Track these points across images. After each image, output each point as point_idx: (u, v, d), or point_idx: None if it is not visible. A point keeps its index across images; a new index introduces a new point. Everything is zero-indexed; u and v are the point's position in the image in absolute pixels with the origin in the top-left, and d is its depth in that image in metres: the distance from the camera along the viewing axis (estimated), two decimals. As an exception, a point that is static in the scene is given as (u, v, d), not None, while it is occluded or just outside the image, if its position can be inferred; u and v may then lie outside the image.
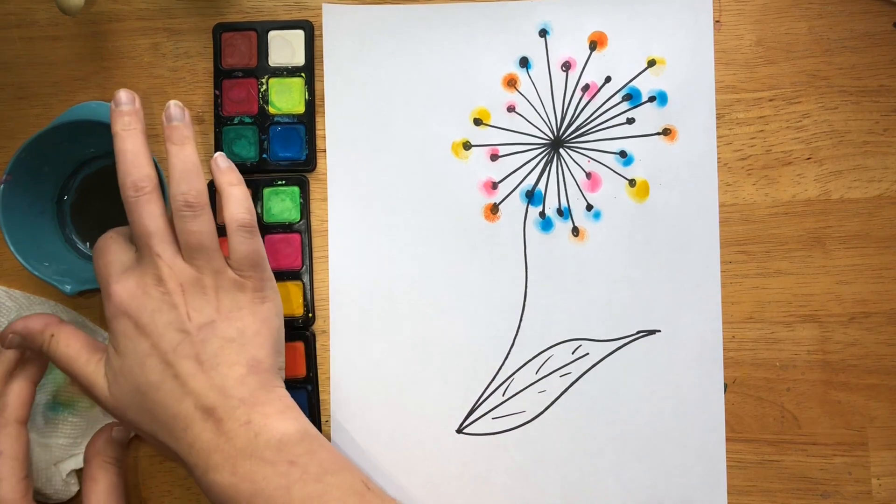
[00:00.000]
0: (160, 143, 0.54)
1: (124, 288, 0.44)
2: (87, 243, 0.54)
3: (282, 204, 0.53)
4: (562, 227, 0.53)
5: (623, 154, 0.53)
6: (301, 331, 0.53)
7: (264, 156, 0.53)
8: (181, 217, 0.45)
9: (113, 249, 0.46)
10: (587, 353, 0.53)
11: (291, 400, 0.46)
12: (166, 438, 0.43)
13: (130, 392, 0.43)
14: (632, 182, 0.53)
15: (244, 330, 0.45)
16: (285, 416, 0.44)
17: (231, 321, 0.45)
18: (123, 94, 0.46)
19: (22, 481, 0.45)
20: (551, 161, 0.53)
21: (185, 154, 0.46)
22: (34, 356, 0.48)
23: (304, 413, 0.52)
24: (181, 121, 0.47)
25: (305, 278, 0.53)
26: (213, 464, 0.41)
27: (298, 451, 0.42)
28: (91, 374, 0.45)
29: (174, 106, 0.47)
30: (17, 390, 0.47)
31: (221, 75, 0.53)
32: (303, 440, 0.43)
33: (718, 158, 0.53)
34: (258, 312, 0.46)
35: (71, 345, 0.46)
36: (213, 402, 0.42)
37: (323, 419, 0.53)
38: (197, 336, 0.43)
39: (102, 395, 0.44)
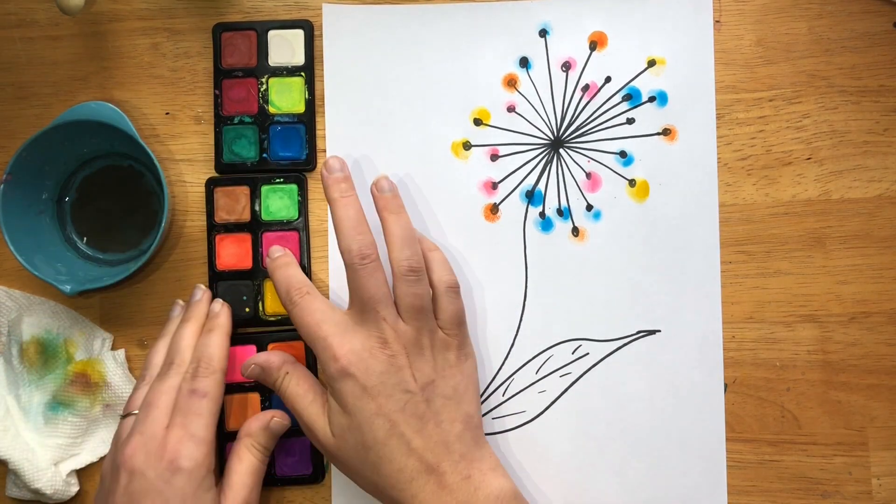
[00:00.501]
0: (160, 144, 0.54)
1: (351, 350, 0.46)
2: (87, 243, 0.54)
3: (280, 202, 0.53)
4: (562, 227, 0.53)
5: (623, 154, 0.53)
6: (301, 331, 0.53)
7: (264, 155, 0.53)
8: (405, 281, 0.47)
9: (321, 308, 0.48)
10: (587, 353, 0.53)
11: (497, 457, 0.48)
12: (388, 490, 0.45)
13: (355, 447, 0.46)
14: (632, 182, 0.53)
15: (457, 387, 0.47)
16: (497, 473, 0.47)
17: (446, 379, 0.47)
18: (335, 162, 0.50)
19: (215, 424, 0.47)
20: (551, 161, 0.53)
21: (403, 221, 0.49)
22: (220, 312, 0.51)
23: (305, 413, 0.52)
24: (392, 191, 0.50)
25: (305, 278, 0.53)
26: None
27: None
28: (314, 416, 0.47)
29: (384, 180, 0.50)
30: (218, 341, 0.49)
31: (221, 75, 0.53)
32: (515, 498, 0.46)
33: (718, 158, 0.53)
34: (465, 370, 0.48)
35: (301, 384, 0.49)
36: (436, 458, 0.45)
37: (323, 419, 0.53)
38: (420, 396, 0.46)
39: (323, 439, 0.47)
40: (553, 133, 0.53)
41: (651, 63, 0.53)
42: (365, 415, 0.45)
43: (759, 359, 0.53)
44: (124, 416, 0.48)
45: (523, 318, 0.53)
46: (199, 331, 0.50)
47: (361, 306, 0.47)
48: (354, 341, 0.46)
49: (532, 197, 0.53)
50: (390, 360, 0.46)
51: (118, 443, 0.47)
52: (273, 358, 0.49)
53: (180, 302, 0.52)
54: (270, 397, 0.53)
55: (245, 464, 0.49)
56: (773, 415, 0.52)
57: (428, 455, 0.45)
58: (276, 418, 0.50)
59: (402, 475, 0.45)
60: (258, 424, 0.50)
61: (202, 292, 0.52)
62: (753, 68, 0.53)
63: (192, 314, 0.51)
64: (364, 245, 0.47)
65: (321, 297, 0.49)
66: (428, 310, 0.48)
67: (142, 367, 0.51)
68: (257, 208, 0.53)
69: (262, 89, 0.53)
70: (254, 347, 0.53)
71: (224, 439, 0.52)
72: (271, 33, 0.53)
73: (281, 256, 0.51)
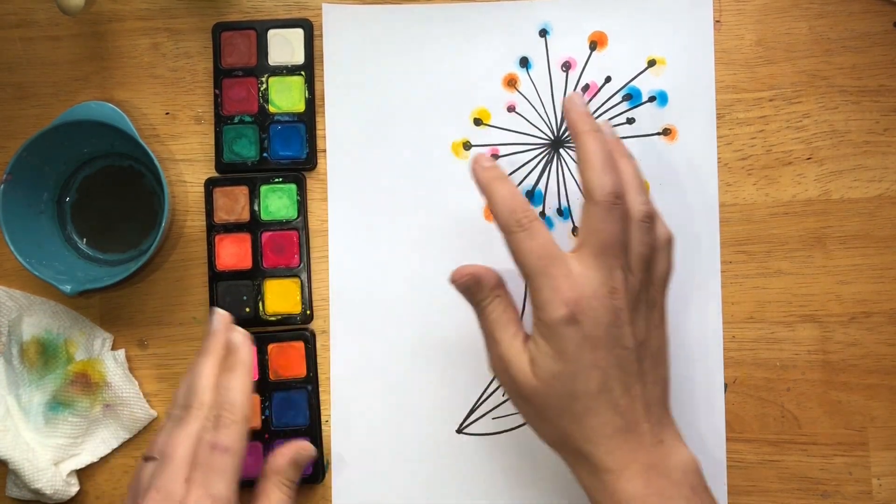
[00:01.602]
0: (160, 143, 0.54)
1: (581, 296, 0.42)
2: (87, 243, 0.54)
3: (279, 201, 0.53)
4: (562, 226, 0.53)
5: (623, 154, 0.53)
6: (299, 329, 0.53)
7: (265, 155, 0.53)
8: (641, 227, 0.44)
9: (551, 241, 0.43)
10: (587, 353, 0.53)
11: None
12: (581, 441, 0.43)
13: (560, 394, 0.43)
14: (632, 182, 0.53)
15: (661, 348, 0.45)
16: (683, 444, 0.45)
17: (654, 339, 0.45)
18: (579, 97, 0.47)
19: (238, 480, 0.44)
20: (551, 161, 0.53)
21: (637, 166, 0.46)
22: (241, 345, 0.47)
23: (304, 413, 0.52)
24: (608, 128, 0.47)
25: (303, 276, 0.53)
26: (629, 474, 0.42)
27: (697, 481, 0.44)
28: (515, 352, 0.44)
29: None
30: (241, 384, 0.46)
31: (221, 74, 0.53)
32: (699, 472, 0.44)
33: (719, 158, 0.53)
34: (665, 331, 0.46)
35: (507, 312, 0.45)
36: (637, 418, 0.43)
37: (323, 419, 0.53)
38: (634, 354, 0.43)
39: (521, 378, 0.44)
40: (553, 133, 0.53)
41: (651, 63, 0.53)
42: (582, 365, 0.42)
43: (760, 359, 0.53)
44: (146, 459, 0.44)
45: (523, 318, 0.53)
46: (219, 366, 0.46)
47: (599, 249, 0.43)
48: (585, 287, 0.42)
49: (532, 197, 0.53)
50: (617, 312, 0.43)
51: (136, 494, 0.43)
52: (490, 274, 0.46)
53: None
54: (271, 397, 0.53)
55: (275, 502, 0.47)
56: (773, 415, 0.52)
57: (631, 414, 0.43)
58: (302, 451, 0.48)
59: (603, 429, 0.43)
60: (285, 460, 0.47)
61: (219, 319, 0.48)
62: (753, 68, 0.53)
63: (211, 347, 0.46)
64: (618, 184, 0.43)
65: (546, 226, 0.44)
66: (651, 262, 0.45)
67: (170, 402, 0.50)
68: (256, 208, 0.53)
69: (262, 89, 0.53)
70: (254, 348, 0.53)
71: None
72: (271, 33, 0.53)
73: (493, 168, 0.46)
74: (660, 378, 0.45)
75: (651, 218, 0.44)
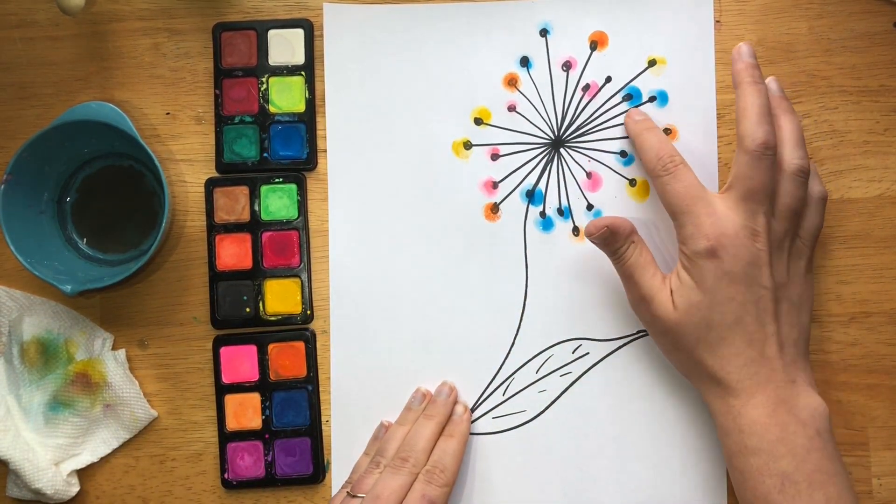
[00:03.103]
0: (160, 144, 0.54)
1: (723, 233, 0.46)
2: (87, 243, 0.54)
3: (279, 201, 0.53)
4: (562, 226, 0.53)
5: (623, 154, 0.53)
6: (300, 329, 0.53)
7: (265, 155, 0.53)
8: (793, 180, 0.47)
9: (696, 183, 0.47)
10: (587, 353, 0.53)
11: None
12: (715, 367, 0.47)
13: (698, 324, 0.46)
14: (632, 182, 0.53)
15: (802, 295, 0.48)
16: (815, 391, 0.47)
17: (795, 286, 0.48)
18: (747, 48, 0.49)
19: None
20: (552, 160, 0.53)
21: (799, 121, 0.49)
22: (463, 417, 0.52)
23: (305, 413, 0.52)
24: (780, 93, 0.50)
25: (303, 276, 0.53)
26: (756, 402, 0.46)
27: (824, 427, 0.46)
28: (656, 288, 0.48)
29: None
30: (457, 451, 0.50)
31: (221, 75, 0.53)
32: (828, 419, 0.46)
33: (719, 158, 0.53)
34: (809, 281, 0.49)
35: (643, 255, 0.49)
36: (774, 353, 0.46)
37: (323, 419, 0.53)
38: (771, 294, 0.46)
39: (662, 311, 0.47)
40: (553, 132, 0.53)
41: (651, 63, 0.53)
42: (719, 296, 0.46)
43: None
44: (352, 496, 0.48)
45: (523, 318, 0.53)
46: (439, 432, 0.51)
47: (744, 194, 0.46)
48: (727, 225, 0.46)
49: (532, 196, 0.53)
50: (757, 252, 0.46)
51: None
52: (624, 223, 0.49)
53: (422, 390, 0.53)
54: (271, 397, 0.53)
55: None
56: (773, 414, 0.52)
57: (764, 348, 0.46)
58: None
59: (737, 359, 0.46)
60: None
61: (449, 391, 0.52)
62: (754, 68, 0.53)
63: (436, 412, 0.51)
64: (770, 135, 0.46)
65: (692, 171, 0.48)
66: (800, 215, 0.48)
67: (370, 444, 0.52)
68: (257, 208, 0.53)
69: (262, 89, 0.53)
70: (254, 347, 0.53)
71: (224, 439, 0.53)
72: (271, 33, 0.53)
73: (645, 120, 0.51)
74: (798, 323, 0.48)
75: (804, 172, 0.47)
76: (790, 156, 0.47)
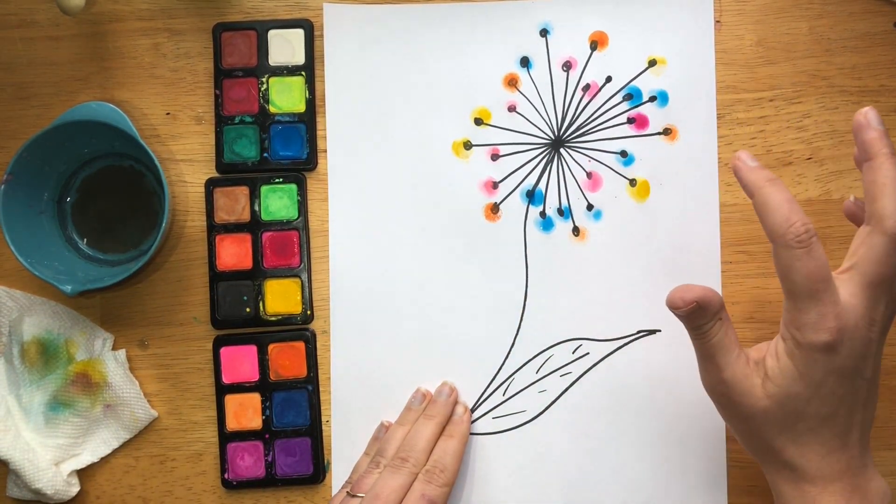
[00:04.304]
0: (160, 144, 0.54)
1: (846, 326, 0.41)
2: (88, 243, 0.54)
3: (279, 202, 0.53)
4: (562, 226, 0.53)
5: (624, 154, 0.53)
6: (300, 329, 0.53)
7: (265, 155, 0.53)
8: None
9: (827, 265, 0.41)
10: (587, 353, 0.53)
11: None
12: (795, 455, 0.43)
13: (787, 414, 0.43)
14: (632, 182, 0.53)
15: (876, 371, 0.44)
16: (878, 472, 0.45)
17: (880, 365, 0.44)
18: (875, 115, 0.43)
19: None
20: (552, 161, 0.53)
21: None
22: (463, 418, 0.52)
23: (305, 413, 0.52)
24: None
25: (303, 276, 0.53)
26: (832, 490, 0.43)
27: None
28: (742, 374, 0.43)
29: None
30: (457, 451, 0.50)
31: (222, 75, 0.53)
32: (890, 501, 0.44)
33: (719, 158, 0.53)
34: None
35: (729, 335, 0.43)
36: (853, 441, 0.43)
37: (323, 419, 0.53)
38: (867, 383, 0.43)
39: (748, 398, 0.43)
40: (554, 133, 0.53)
41: (652, 63, 0.53)
42: (822, 391, 0.42)
43: (760, 359, 0.52)
44: (351, 496, 0.48)
45: (523, 318, 0.53)
46: (439, 432, 0.51)
47: (873, 281, 0.41)
48: (850, 317, 0.41)
49: (533, 196, 0.53)
50: (870, 344, 0.42)
51: None
52: (714, 297, 0.43)
53: (422, 390, 0.53)
54: (271, 397, 0.53)
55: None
56: (773, 415, 0.52)
57: (848, 437, 0.43)
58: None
59: (820, 449, 0.43)
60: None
61: (450, 392, 0.52)
62: (754, 68, 0.53)
63: (437, 413, 0.51)
64: None
65: (821, 245, 0.42)
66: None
67: (371, 444, 0.52)
68: (257, 208, 0.53)
69: (262, 89, 0.53)
70: (254, 348, 0.53)
71: (225, 440, 0.53)
72: (271, 33, 0.53)
73: (761, 168, 0.43)
74: (874, 403, 0.44)
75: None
76: (883, 213, 0.41)
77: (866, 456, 0.44)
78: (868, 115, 0.43)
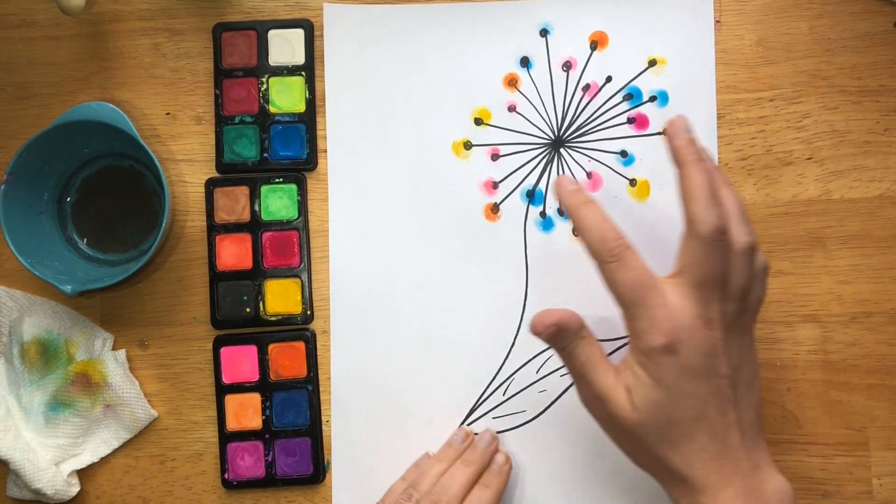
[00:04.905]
0: (160, 144, 0.54)
1: (679, 327, 0.43)
2: (88, 243, 0.54)
3: (279, 202, 0.53)
4: (562, 226, 0.53)
5: (624, 154, 0.53)
6: (300, 329, 0.53)
7: (265, 155, 0.53)
8: (743, 259, 0.44)
9: (645, 271, 0.43)
10: (588, 353, 0.53)
11: None
12: (680, 464, 0.44)
13: (659, 422, 0.43)
14: (632, 182, 0.53)
15: (753, 372, 0.45)
16: (776, 469, 0.45)
17: (747, 365, 0.45)
18: (682, 122, 0.45)
19: None
20: (552, 161, 0.53)
21: (737, 193, 0.45)
22: (503, 468, 0.51)
23: (305, 413, 0.52)
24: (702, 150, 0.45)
25: (304, 276, 0.53)
26: (725, 497, 0.43)
27: None
28: (610, 388, 0.44)
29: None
30: (491, 502, 0.49)
31: (222, 75, 0.53)
32: (793, 498, 0.44)
33: (719, 158, 0.53)
34: (756, 355, 0.46)
35: (594, 351, 0.45)
36: (735, 443, 0.43)
37: (323, 419, 0.53)
38: (729, 381, 0.44)
39: (620, 411, 0.44)
40: (554, 133, 0.53)
41: (652, 63, 0.53)
42: (679, 393, 0.43)
43: (760, 359, 0.52)
44: None
45: (523, 318, 0.53)
46: (475, 479, 0.50)
47: (699, 282, 0.43)
48: (682, 317, 0.43)
49: (533, 196, 0.53)
50: (713, 343, 0.43)
51: None
52: (572, 319, 0.45)
53: (466, 429, 0.52)
54: (271, 397, 0.53)
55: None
56: (773, 415, 0.52)
57: (727, 439, 0.43)
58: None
59: (701, 455, 0.43)
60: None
61: (491, 439, 0.51)
62: (754, 68, 0.53)
63: (475, 460, 0.50)
64: (722, 219, 0.43)
65: (639, 254, 0.44)
66: (748, 291, 0.45)
67: (410, 469, 0.52)
68: (257, 208, 0.53)
69: (262, 89, 0.53)
70: (254, 348, 0.53)
71: (225, 440, 0.53)
72: (271, 33, 0.53)
73: (580, 191, 0.46)
74: (753, 402, 0.45)
75: (753, 249, 0.44)
76: (738, 233, 0.44)
77: (757, 456, 0.44)
78: (676, 122, 0.45)
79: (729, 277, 0.44)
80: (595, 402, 0.45)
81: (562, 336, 0.45)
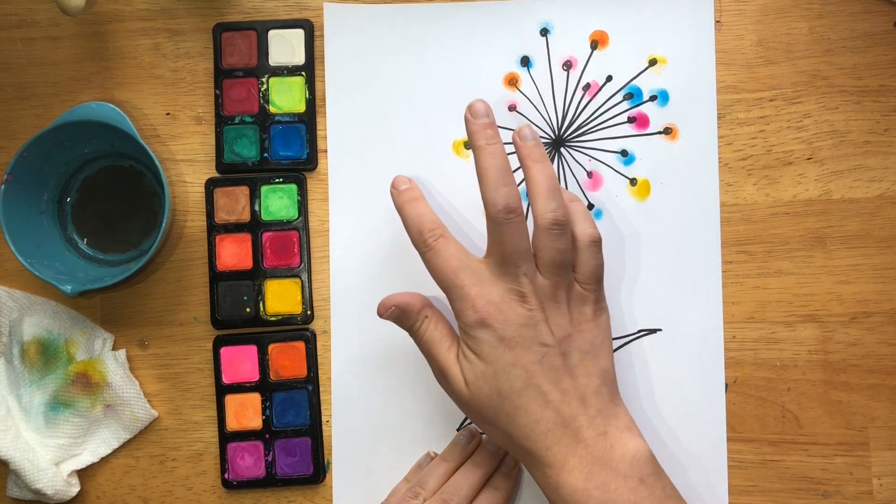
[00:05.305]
0: (161, 144, 0.54)
1: (489, 301, 0.45)
2: (88, 243, 0.54)
3: (280, 202, 0.53)
4: (562, 226, 0.53)
5: (624, 153, 0.53)
6: (300, 329, 0.53)
7: (265, 155, 0.53)
8: (549, 234, 0.45)
9: (457, 255, 0.46)
10: (588, 353, 0.53)
11: (631, 416, 0.47)
12: (522, 440, 0.45)
13: (490, 395, 0.45)
14: (633, 181, 0.53)
15: (593, 342, 0.46)
16: (633, 433, 0.46)
17: (583, 333, 0.46)
18: (481, 106, 0.47)
19: None
20: (552, 160, 0.53)
21: (548, 171, 0.46)
22: (512, 472, 0.51)
23: (305, 413, 0.52)
24: (535, 140, 0.47)
25: (304, 276, 0.53)
26: (570, 467, 0.44)
27: (647, 471, 0.45)
28: (450, 363, 0.47)
29: (527, 128, 0.47)
30: (500, 502, 0.50)
31: (222, 75, 0.53)
32: (651, 461, 0.45)
33: (719, 158, 0.53)
34: (600, 324, 0.47)
35: (438, 328, 0.48)
36: (572, 412, 0.45)
37: (323, 419, 0.53)
38: (557, 349, 0.45)
39: (457, 387, 0.46)
40: (554, 132, 0.53)
41: (652, 62, 0.53)
42: (501, 364, 0.45)
43: (760, 359, 0.53)
44: None
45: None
46: (484, 481, 0.50)
47: (501, 259, 0.45)
48: (493, 292, 0.45)
49: (533, 197, 0.53)
50: (529, 313, 0.45)
51: None
52: (413, 300, 0.48)
53: (472, 429, 0.52)
54: (271, 397, 0.53)
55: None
56: (773, 415, 0.52)
57: (564, 408, 0.45)
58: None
59: (537, 426, 0.44)
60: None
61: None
62: (754, 68, 0.53)
63: (485, 462, 0.50)
64: (510, 198, 0.45)
65: (455, 241, 0.47)
66: (568, 264, 0.46)
67: (413, 471, 0.52)
68: (257, 208, 0.53)
69: (262, 89, 0.53)
70: (254, 348, 0.53)
71: (225, 440, 0.53)
72: (272, 33, 0.53)
73: (408, 189, 0.49)
74: (596, 371, 0.46)
75: (560, 225, 0.45)
76: (542, 209, 0.45)
77: (603, 422, 0.45)
78: (475, 107, 0.47)
79: (538, 251, 0.46)
80: (440, 379, 0.48)
81: (405, 317, 0.48)
